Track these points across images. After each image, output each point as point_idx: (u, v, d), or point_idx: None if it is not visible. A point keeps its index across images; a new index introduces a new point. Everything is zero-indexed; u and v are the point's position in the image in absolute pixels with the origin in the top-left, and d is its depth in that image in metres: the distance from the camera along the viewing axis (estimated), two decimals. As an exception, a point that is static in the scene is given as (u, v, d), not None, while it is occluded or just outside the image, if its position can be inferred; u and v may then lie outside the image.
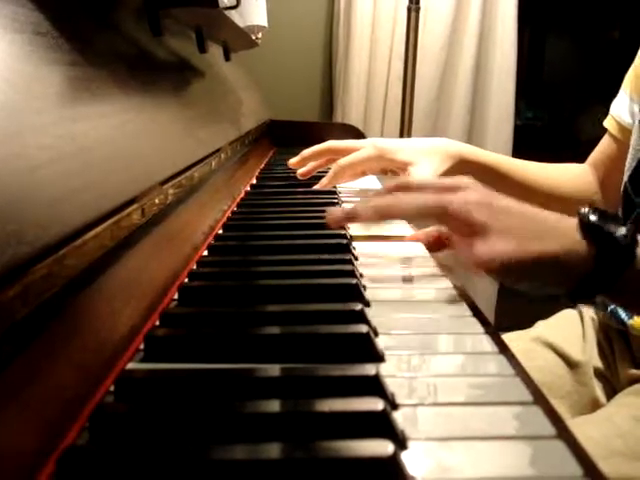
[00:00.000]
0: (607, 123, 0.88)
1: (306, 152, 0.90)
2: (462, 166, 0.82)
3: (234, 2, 0.78)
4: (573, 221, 0.49)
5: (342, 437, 0.27)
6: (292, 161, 0.91)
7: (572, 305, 0.50)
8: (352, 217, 0.54)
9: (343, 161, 0.83)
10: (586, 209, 0.49)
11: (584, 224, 0.48)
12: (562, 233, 0.48)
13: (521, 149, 1.98)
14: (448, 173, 0.80)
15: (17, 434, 0.26)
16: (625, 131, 0.84)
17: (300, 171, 0.90)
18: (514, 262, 0.46)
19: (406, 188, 0.54)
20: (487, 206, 0.48)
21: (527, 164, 0.89)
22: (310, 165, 0.90)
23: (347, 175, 0.86)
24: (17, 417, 0.26)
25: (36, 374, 0.28)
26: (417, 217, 0.53)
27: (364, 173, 0.89)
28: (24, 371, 0.27)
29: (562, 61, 3.26)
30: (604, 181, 0.89)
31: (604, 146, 0.89)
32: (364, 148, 0.84)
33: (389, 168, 0.86)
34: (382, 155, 0.83)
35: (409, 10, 1.59)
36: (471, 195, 0.49)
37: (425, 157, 0.81)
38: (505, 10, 1.89)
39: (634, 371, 0.72)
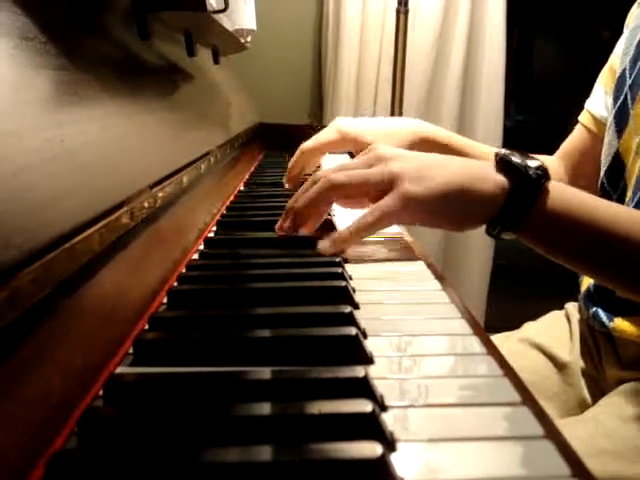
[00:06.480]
0: (582, 117, 0.90)
1: (290, 168, 0.90)
2: (424, 145, 0.83)
3: (222, 5, 0.78)
4: (483, 162, 0.55)
5: (331, 439, 0.27)
6: (287, 186, 0.91)
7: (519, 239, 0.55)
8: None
9: (305, 146, 0.85)
10: (502, 150, 0.55)
11: (501, 159, 0.53)
12: (467, 165, 0.55)
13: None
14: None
15: (5, 438, 0.26)
16: (599, 124, 0.86)
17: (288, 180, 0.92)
18: (425, 198, 0.52)
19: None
20: (396, 159, 0.55)
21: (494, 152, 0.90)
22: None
23: (312, 160, 0.88)
24: (5, 421, 0.26)
25: (24, 378, 0.28)
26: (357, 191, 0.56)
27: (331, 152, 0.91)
28: (12, 375, 0.27)
29: (551, 62, 3.27)
30: (574, 173, 0.91)
31: (575, 139, 0.91)
32: (326, 130, 0.85)
33: (352, 149, 0.87)
34: (344, 137, 0.84)
35: (398, 13, 1.60)
36: (393, 163, 0.54)
37: (385, 137, 0.81)
38: (493, 12, 1.90)
39: (620, 372, 0.73)
